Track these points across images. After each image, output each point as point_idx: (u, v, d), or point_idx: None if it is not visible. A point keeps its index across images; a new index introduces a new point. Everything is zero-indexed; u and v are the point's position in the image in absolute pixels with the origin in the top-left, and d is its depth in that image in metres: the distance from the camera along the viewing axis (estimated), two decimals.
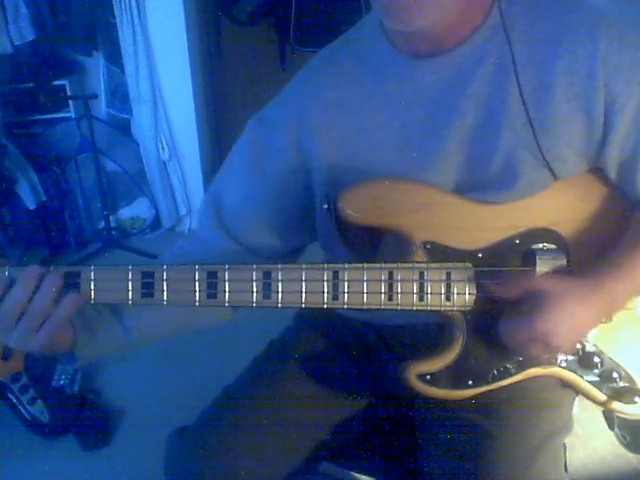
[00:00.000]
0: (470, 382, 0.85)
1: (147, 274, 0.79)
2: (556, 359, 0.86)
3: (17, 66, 2.81)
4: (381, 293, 0.81)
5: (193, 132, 2.98)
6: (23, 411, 1.75)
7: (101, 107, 2.99)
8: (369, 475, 1.06)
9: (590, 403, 0.90)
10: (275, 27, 3.41)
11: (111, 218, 2.95)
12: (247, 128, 0.97)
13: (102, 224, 2.94)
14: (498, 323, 0.83)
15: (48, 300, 0.75)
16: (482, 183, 0.85)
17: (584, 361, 0.87)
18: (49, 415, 1.78)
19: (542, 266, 0.83)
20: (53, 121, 2.92)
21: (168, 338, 0.96)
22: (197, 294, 0.79)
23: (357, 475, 1.08)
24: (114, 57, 2.84)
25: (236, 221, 0.96)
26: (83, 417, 1.83)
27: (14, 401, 1.75)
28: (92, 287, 0.78)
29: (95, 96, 2.80)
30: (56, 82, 2.86)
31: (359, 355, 1.02)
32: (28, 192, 2.66)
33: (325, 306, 0.81)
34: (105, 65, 2.91)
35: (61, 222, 2.93)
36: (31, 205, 2.68)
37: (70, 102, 2.89)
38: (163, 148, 2.94)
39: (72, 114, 2.92)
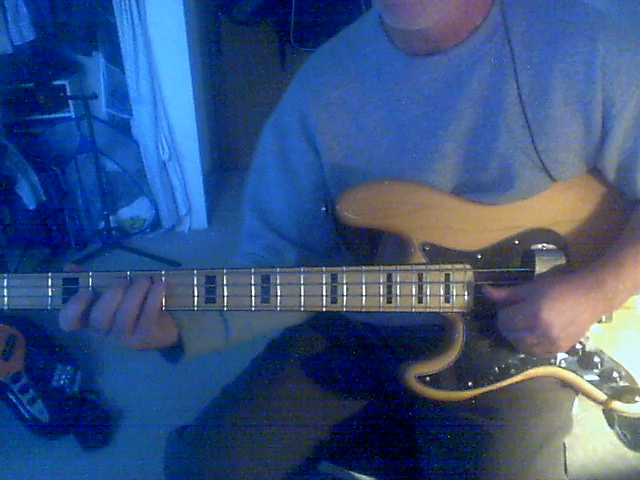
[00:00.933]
0: (470, 383, 0.85)
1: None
2: (556, 358, 0.86)
3: (17, 66, 2.81)
4: (380, 296, 0.81)
5: (193, 132, 2.98)
6: (23, 411, 1.75)
7: (101, 107, 2.99)
8: (369, 475, 1.06)
9: (590, 403, 0.91)
10: (275, 27, 3.42)
11: (111, 218, 2.95)
12: (265, 134, 0.99)
13: (102, 224, 2.94)
14: (497, 321, 0.83)
15: (135, 305, 0.76)
16: (480, 185, 0.85)
17: (584, 361, 0.87)
18: (49, 415, 1.78)
19: (541, 266, 0.83)
20: (53, 121, 2.92)
21: (259, 338, 0.97)
22: (195, 299, 0.79)
23: (357, 475, 1.08)
24: (114, 57, 2.84)
25: (287, 226, 0.98)
26: (83, 417, 1.83)
27: (14, 401, 1.75)
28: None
29: (95, 96, 2.79)
30: (56, 82, 2.86)
31: (359, 355, 1.02)
32: (28, 192, 2.65)
33: (324, 309, 0.81)
34: (105, 65, 2.91)
35: (61, 222, 2.93)
36: (31, 205, 2.68)
37: (70, 102, 2.89)
38: (163, 148, 2.94)
39: (72, 114, 2.91)
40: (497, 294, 0.82)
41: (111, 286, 0.77)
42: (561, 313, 0.78)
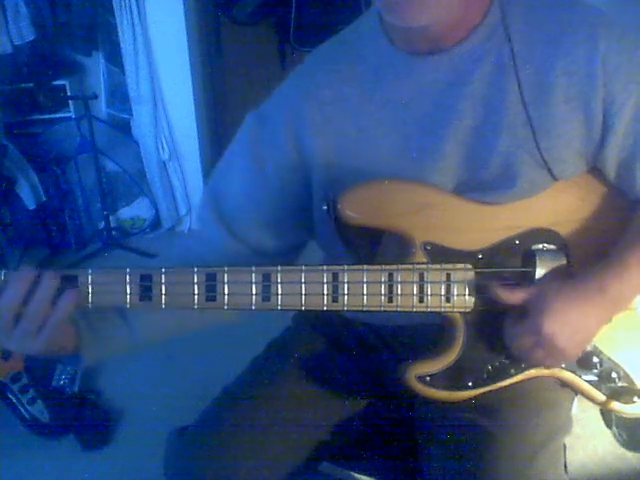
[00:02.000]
0: (470, 383, 0.85)
1: (145, 277, 0.79)
2: (560, 365, 0.86)
3: (17, 66, 2.81)
4: (381, 295, 0.81)
5: (193, 132, 2.98)
6: (23, 411, 1.76)
7: (101, 107, 2.99)
8: (369, 475, 1.06)
9: (589, 403, 0.90)
10: (275, 27, 3.42)
11: (111, 218, 2.95)
12: (245, 124, 0.96)
13: (102, 224, 2.94)
14: (498, 324, 0.83)
15: (44, 302, 0.75)
16: (481, 183, 0.85)
17: (583, 361, 0.86)
18: (49, 415, 1.78)
19: (542, 266, 0.83)
20: (53, 121, 2.92)
21: (173, 338, 0.95)
22: (196, 297, 0.79)
23: (357, 475, 1.08)
24: (114, 57, 2.84)
25: (236, 218, 0.96)
26: (83, 417, 1.83)
27: (14, 401, 1.75)
28: (90, 290, 0.78)
29: (95, 96, 2.79)
30: (56, 82, 2.86)
31: (359, 355, 1.02)
32: (28, 192, 2.65)
33: (325, 308, 0.81)
34: (105, 65, 2.91)
35: (61, 222, 2.93)
36: (31, 205, 2.68)
37: (70, 102, 2.89)
38: (163, 148, 2.94)
39: (72, 114, 2.91)
40: (503, 294, 0.82)
41: (16, 278, 0.75)
42: (565, 324, 0.78)
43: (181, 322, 0.92)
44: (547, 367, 0.85)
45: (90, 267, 0.79)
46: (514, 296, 0.82)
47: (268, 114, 0.95)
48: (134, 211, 3.07)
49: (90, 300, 0.78)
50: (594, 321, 0.81)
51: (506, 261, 0.85)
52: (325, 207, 0.84)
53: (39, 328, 0.76)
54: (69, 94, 2.88)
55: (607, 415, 1.00)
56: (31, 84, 2.82)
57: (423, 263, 0.83)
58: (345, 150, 0.89)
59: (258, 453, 0.91)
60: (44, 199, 2.75)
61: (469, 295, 0.83)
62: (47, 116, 2.90)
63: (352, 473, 1.08)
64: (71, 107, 2.91)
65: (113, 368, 2.05)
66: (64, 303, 0.76)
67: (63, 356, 0.86)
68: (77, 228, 2.99)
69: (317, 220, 0.95)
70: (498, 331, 0.83)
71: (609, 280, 0.80)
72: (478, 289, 0.83)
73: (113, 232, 2.96)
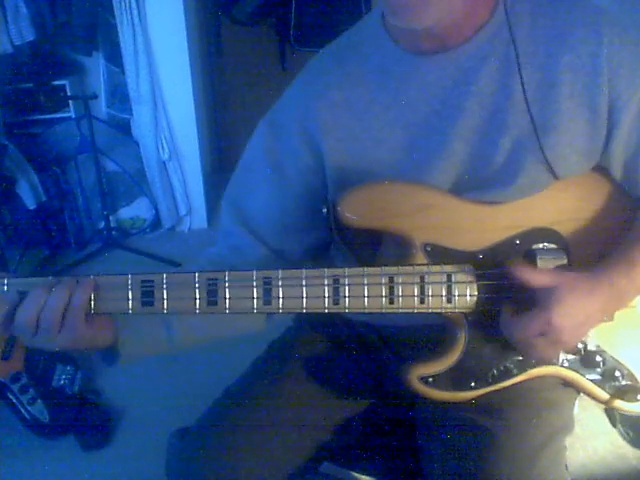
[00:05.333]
0: (472, 384, 0.85)
1: (147, 282, 0.79)
2: (558, 358, 0.86)
3: (17, 66, 2.80)
4: (382, 297, 0.81)
5: (193, 132, 2.98)
6: (23, 411, 1.75)
7: (101, 107, 2.99)
8: (370, 475, 1.06)
9: (590, 403, 0.90)
10: (275, 27, 3.42)
11: (111, 218, 2.95)
12: (258, 132, 0.97)
13: (102, 224, 2.94)
14: (501, 323, 0.82)
15: (59, 307, 0.76)
16: (482, 181, 0.85)
17: (586, 360, 0.87)
18: (49, 415, 1.77)
19: (542, 266, 0.83)
20: (53, 121, 2.92)
21: (208, 343, 0.94)
22: (197, 302, 0.79)
23: (358, 475, 1.08)
24: (114, 57, 2.84)
25: (263, 226, 0.96)
26: (83, 417, 1.83)
27: (14, 401, 1.75)
28: (91, 297, 0.78)
29: (95, 96, 2.79)
30: (56, 82, 2.86)
31: (360, 355, 1.02)
32: (28, 192, 2.65)
33: (326, 311, 0.81)
34: (105, 65, 2.91)
35: (61, 222, 2.93)
36: (31, 205, 2.67)
37: (70, 102, 2.89)
38: (163, 148, 2.94)
39: (72, 114, 2.91)
40: (525, 274, 0.80)
41: (35, 287, 0.76)
42: (574, 317, 0.78)
43: (217, 327, 0.92)
44: (545, 359, 0.85)
45: (90, 268, 0.79)
46: (537, 277, 0.80)
47: (279, 119, 0.95)
48: (134, 211, 3.07)
49: (92, 307, 0.78)
50: (599, 315, 0.81)
51: (507, 261, 0.85)
52: (324, 210, 0.84)
53: (59, 329, 0.76)
54: (69, 94, 2.88)
55: (612, 413, 1.00)
56: (31, 84, 2.82)
57: (424, 264, 0.83)
58: (353, 151, 0.89)
59: (259, 453, 0.91)
60: (44, 199, 2.75)
61: (470, 295, 0.83)
62: (47, 116, 2.90)
63: (353, 473, 1.08)
64: (71, 107, 2.91)
65: (113, 368, 2.05)
66: (78, 297, 0.76)
67: (98, 351, 0.86)
68: (77, 228, 2.99)
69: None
70: (500, 331, 0.83)
71: (617, 276, 0.80)
72: (479, 289, 0.83)
73: (113, 232, 2.96)
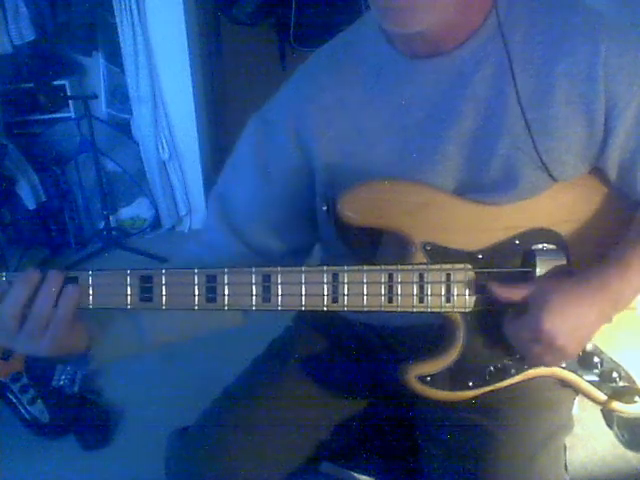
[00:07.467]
0: (470, 383, 0.85)
1: (146, 278, 0.79)
2: (561, 364, 0.86)
3: (17, 66, 2.81)
4: (381, 295, 0.81)
5: (193, 132, 2.98)
6: (23, 411, 1.76)
7: (101, 107, 2.99)
8: (369, 475, 1.06)
9: (590, 403, 0.90)
10: (275, 27, 3.42)
11: (111, 218, 2.95)
12: (248, 128, 0.97)
13: (102, 224, 2.94)
14: (499, 324, 0.83)
15: (49, 301, 0.75)
16: (481, 185, 0.85)
17: (584, 361, 0.87)
18: (49, 415, 1.78)
19: (542, 266, 0.83)
20: (53, 121, 2.92)
21: (182, 341, 0.95)
22: (196, 298, 0.79)
23: (357, 475, 1.08)
24: (114, 57, 2.84)
25: (244, 223, 0.96)
26: (83, 417, 1.83)
27: (14, 401, 1.75)
28: (90, 292, 0.78)
29: (95, 96, 2.80)
30: (56, 82, 2.85)
31: (359, 355, 1.02)
32: (28, 192, 2.65)
33: (325, 309, 0.81)
34: (105, 65, 2.91)
35: (61, 222, 2.93)
36: (31, 205, 2.68)
37: (70, 102, 2.89)
38: (163, 148, 2.94)
39: (72, 114, 2.92)
40: (501, 292, 0.82)
41: (20, 279, 0.75)
42: (564, 321, 0.77)
43: (189, 325, 0.92)
44: (547, 365, 0.85)
45: (90, 268, 0.79)
46: (513, 294, 0.82)
47: (271, 117, 0.95)
48: (134, 211, 3.07)
49: (91, 302, 0.78)
50: (594, 319, 0.80)
51: (506, 261, 0.85)
52: (325, 207, 0.84)
53: (44, 328, 0.76)
54: (69, 94, 2.88)
55: (608, 415, 1.00)
56: (31, 84, 2.81)
57: (423, 263, 0.83)
58: (347, 152, 0.89)
59: (258, 453, 0.91)
60: (44, 199, 2.75)
61: (469, 295, 0.83)
62: (47, 116, 2.90)
63: (352, 473, 1.08)
64: (71, 107, 2.91)
65: (113, 368, 2.05)
66: (66, 300, 0.76)
67: (70, 358, 0.85)
68: (77, 228, 2.99)
69: (320, 221, 0.95)
70: (498, 331, 0.83)
71: (610, 278, 0.80)
72: (478, 289, 0.83)
73: (113, 232, 2.96)
